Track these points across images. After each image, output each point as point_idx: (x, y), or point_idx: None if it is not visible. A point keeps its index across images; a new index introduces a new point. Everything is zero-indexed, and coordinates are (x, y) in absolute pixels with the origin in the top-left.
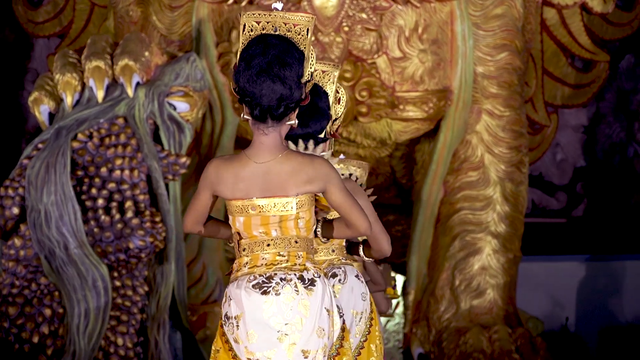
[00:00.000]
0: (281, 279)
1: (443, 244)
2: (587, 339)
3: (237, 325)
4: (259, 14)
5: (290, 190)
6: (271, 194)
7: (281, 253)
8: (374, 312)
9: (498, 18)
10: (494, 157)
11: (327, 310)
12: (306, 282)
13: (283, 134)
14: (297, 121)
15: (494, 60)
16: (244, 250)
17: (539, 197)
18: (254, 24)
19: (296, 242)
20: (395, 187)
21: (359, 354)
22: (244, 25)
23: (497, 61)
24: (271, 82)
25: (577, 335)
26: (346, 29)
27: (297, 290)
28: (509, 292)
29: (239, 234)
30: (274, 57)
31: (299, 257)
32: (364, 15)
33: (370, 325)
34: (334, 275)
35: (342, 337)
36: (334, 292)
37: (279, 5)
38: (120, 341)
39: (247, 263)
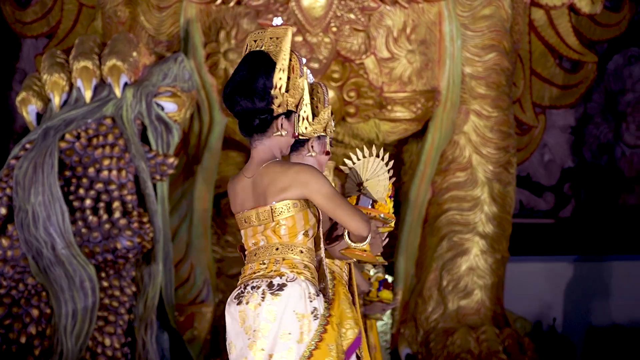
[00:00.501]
0: (252, 288)
1: (431, 245)
2: (575, 339)
3: (225, 338)
4: (258, 32)
5: (268, 200)
6: (256, 204)
7: (264, 261)
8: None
9: (486, 19)
10: (481, 157)
11: (297, 314)
12: (274, 287)
13: (275, 146)
14: (287, 132)
15: (482, 60)
16: (245, 262)
17: (526, 197)
18: (252, 42)
19: (277, 249)
20: None
21: (311, 354)
22: (246, 45)
23: (485, 62)
24: (239, 98)
25: (564, 335)
26: (334, 29)
27: (264, 297)
28: (496, 292)
29: (243, 247)
30: (244, 73)
31: (277, 262)
32: (352, 16)
33: (327, 324)
34: None
35: (320, 339)
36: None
37: (279, 21)
38: (107, 341)
39: (241, 275)
